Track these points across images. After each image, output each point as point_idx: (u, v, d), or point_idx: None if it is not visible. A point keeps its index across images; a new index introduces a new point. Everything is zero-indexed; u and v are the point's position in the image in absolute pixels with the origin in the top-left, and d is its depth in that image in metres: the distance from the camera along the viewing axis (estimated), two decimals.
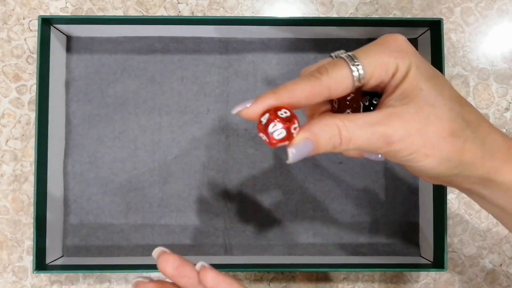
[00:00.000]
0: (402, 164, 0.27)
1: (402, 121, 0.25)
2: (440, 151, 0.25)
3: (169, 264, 0.28)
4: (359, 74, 0.26)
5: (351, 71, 0.26)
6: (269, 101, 0.26)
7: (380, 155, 0.29)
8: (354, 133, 0.25)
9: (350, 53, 0.26)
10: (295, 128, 0.26)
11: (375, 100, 0.29)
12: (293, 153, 0.25)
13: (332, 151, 0.26)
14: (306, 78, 0.26)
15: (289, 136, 0.26)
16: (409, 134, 0.25)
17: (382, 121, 0.25)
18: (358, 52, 0.26)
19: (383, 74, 0.26)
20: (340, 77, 0.26)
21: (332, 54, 0.28)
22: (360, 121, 0.25)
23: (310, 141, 0.25)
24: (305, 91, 0.26)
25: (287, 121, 0.26)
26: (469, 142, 0.26)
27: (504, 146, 0.27)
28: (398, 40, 0.27)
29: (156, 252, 0.29)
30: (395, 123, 0.25)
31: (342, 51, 0.28)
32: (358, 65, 0.26)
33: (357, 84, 0.26)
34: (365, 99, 0.29)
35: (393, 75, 0.26)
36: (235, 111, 0.26)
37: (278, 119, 0.26)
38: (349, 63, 0.26)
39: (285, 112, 0.26)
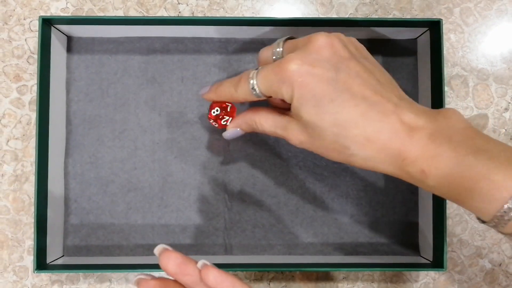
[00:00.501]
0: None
1: (295, 132, 0.33)
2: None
3: (171, 262, 0.29)
4: (256, 93, 0.34)
5: (251, 90, 0.34)
6: (212, 96, 0.39)
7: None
8: (265, 128, 0.36)
9: (254, 71, 0.34)
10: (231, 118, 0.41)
11: None
12: (227, 135, 0.39)
13: (254, 131, 0.37)
14: (230, 87, 0.36)
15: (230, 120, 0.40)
16: (300, 142, 0.34)
17: (283, 127, 0.34)
18: (259, 72, 0.34)
19: (277, 96, 0.33)
20: (244, 92, 0.35)
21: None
22: (270, 121, 0.35)
23: (236, 130, 0.38)
24: (228, 96, 0.37)
25: (232, 113, 0.40)
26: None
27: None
28: (289, 67, 0.31)
29: (158, 249, 0.29)
30: (291, 131, 0.34)
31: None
32: (255, 86, 0.34)
33: (260, 98, 0.35)
34: None
35: (283, 100, 0.33)
36: (200, 92, 0.40)
37: (225, 113, 0.40)
38: (250, 81, 0.34)
39: (217, 111, 0.41)
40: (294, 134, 0.33)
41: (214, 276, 0.28)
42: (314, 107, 0.30)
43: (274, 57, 0.36)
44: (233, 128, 0.38)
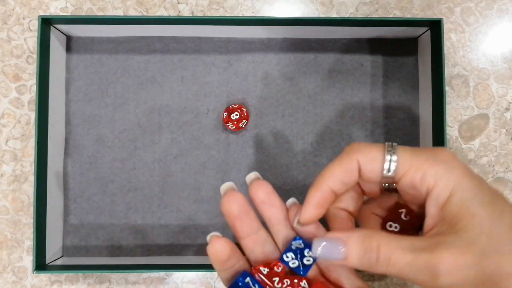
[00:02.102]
0: None
1: (452, 252, 0.22)
2: None
3: (262, 189, 0.27)
4: (390, 161, 0.24)
5: (384, 154, 0.25)
6: (316, 198, 0.26)
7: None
8: (395, 254, 0.22)
9: (394, 144, 0.25)
10: (244, 125, 0.44)
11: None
12: (318, 248, 0.24)
13: (367, 269, 0.23)
14: (338, 160, 0.26)
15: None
16: (460, 268, 0.21)
17: (429, 248, 0.22)
18: (399, 147, 0.25)
19: (417, 179, 0.24)
20: (371, 156, 0.25)
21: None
22: (404, 243, 0.23)
23: (341, 243, 0.24)
24: (335, 169, 0.26)
25: (247, 116, 0.43)
26: None
27: None
28: (446, 152, 0.24)
29: (249, 177, 0.28)
30: (444, 253, 0.22)
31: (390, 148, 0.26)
32: (393, 152, 0.24)
33: (386, 173, 0.24)
34: (392, 223, 0.28)
35: (429, 191, 0.24)
36: (295, 224, 0.27)
37: (243, 116, 0.43)
38: (386, 147, 0.25)
39: (236, 115, 0.42)
40: (450, 255, 0.22)
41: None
42: (491, 201, 0.23)
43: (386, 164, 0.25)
44: (334, 240, 0.25)
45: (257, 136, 0.46)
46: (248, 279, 0.26)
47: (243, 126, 0.45)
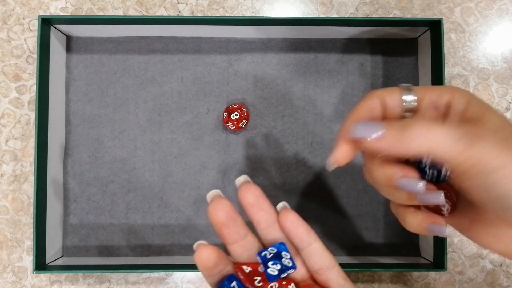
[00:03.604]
0: (485, 195, 0.24)
1: (486, 129, 0.23)
2: None
3: (250, 193, 0.27)
4: (409, 91, 0.27)
5: (401, 88, 0.28)
6: (348, 135, 0.27)
7: (445, 228, 0.27)
8: (432, 125, 0.23)
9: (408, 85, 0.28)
10: (244, 125, 0.45)
11: (446, 171, 0.26)
12: (360, 129, 0.26)
13: (399, 142, 0.24)
14: (362, 100, 0.29)
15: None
16: (498, 140, 0.22)
17: (465, 125, 0.23)
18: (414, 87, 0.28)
19: (434, 97, 0.26)
20: (391, 90, 0.28)
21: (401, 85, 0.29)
22: (439, 121, 0.24)
23: (378, 126, 0.25)
24: (361, 108, 0.28)
25: (247, 116, 0.44)
26: None
27: None
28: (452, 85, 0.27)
29: (239, 180, 0.28)
30: (480, 129, 0.23)
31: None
32: (409, 85, 0.28)
33: (406, 98, 0.27)
34: (432, 169, 0.27)
35: (449, 104, 0.26)
36: (357, 134, 0.26)
37: (243, 117, 0.44)
38: (402, 86, 0.28)
39: (236, 115, 0.44)
40: (490, 130, 0.23)
41: (292, 219, 0.27)
42: (501, 115, 0.25)
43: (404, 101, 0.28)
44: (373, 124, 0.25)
45: (257, 136, 0.46)
46: (234, 283, 0.26)
47: (243, 126, 0.45)
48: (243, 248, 0.28)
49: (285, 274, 0.27)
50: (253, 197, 0.27)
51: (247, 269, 0.27)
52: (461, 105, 0.26)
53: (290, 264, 0.27)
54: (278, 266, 0.27)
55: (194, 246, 0.28)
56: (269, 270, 0.27)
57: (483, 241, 0.27)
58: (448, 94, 0.26)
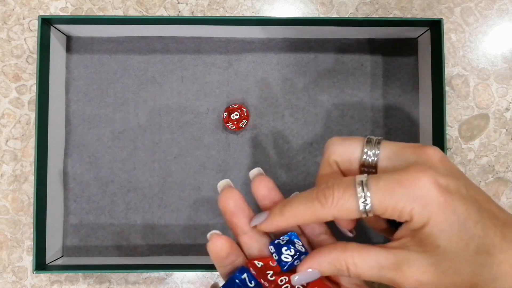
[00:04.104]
0: None
1: (415, 270, 0.24)
2: None
3: (263, 185, 0.28)
4: (365, 210, 0.24)
5: (358, 205, 0.24)
6: (276, 222, 0.26)
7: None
8: (363, 272, 0.25)
9: (363, 179, 0.24)
10: (244, 125, 0.45)
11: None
12: (297, 280, 0.26)
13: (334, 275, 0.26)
14: (310, 202, 0.25)
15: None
16: (421, 284, 0.24)
17: (393, 266, 0.24)
18: (372, 182, 0.24)
19: (394, 217, 0.24)
20: (344, 208, 0.24)
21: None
22: (371, 261, 0.24)
23: (316, 271, 0.26)
24: (307, 215, 0.25)
25: (247, 116, 0.44)
26: None
27: None
28: (422, 181, 0.24)
29: (252, 173, 0.29)
30: (408, 271, 0.24)
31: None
32: (366, 201, 0.24)
33: (363, 216, 0.25)
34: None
35: (407, 222, 0.24)
36: (252, 224, 0.27)
37: (243, 116, 0.45)
38: (358, 195, 0.24)
39: (236, 115, 0.44)
40: (413, 274, 0.24)
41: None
42: (460, 232, 0.23)
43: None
44: (309, 270, 0.26)
45: (257, 136, 0.46)
46: (245, 275, 0.26)
47: (243, 126, 0.45)
48: (252, 239, 0.28)
49: (298, 261, 0.26)
50: (266, 189, 0.28)
51: (259, 264, 0.27)
52: (415, 227, 0.24)
53: (303, 250, 0.27)
54: (292, 252, 0.26)
55: (208, 235, 0.28)
56: (282, 257, 0.26)
57: None
58: (407, 217, 0.24)
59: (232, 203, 0.28)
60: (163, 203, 0.46)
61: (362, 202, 0.24)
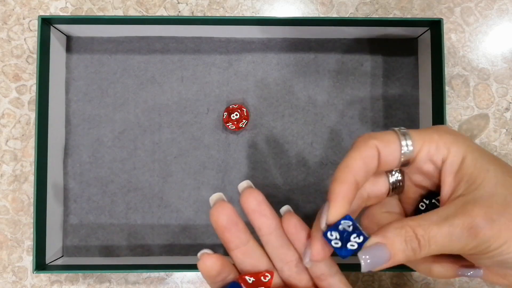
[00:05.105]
0: (489, 260, 0.24)
1: (480, 206, 0.23)
2: None
3: (252, 198, 0.27)
4: (406, 140, 0.25)
5: (398, 136, 0.26)
6: (343, 192, 0.25)
7: (479, 270, 0.26)
8: (432, 230, 0.23)
9: (404, 130, 0.26)
10: (244, 125, 0.45)
11: (436, 200, 0.27)
12: (367, 261, 0.23)
13: (412, 258, 0.23)
14: (355, 148, 0.26)
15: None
16: (494, 219, 0.22)
17: (458, 212, 0.23)
18: (410, 130, 0.26)
19: (432, 150, 0.25)
20: (387, 139, 0.25)
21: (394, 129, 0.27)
22: (434, 217, 0.23)
23: (384, 246, 0.23)
24: (356, 159, 0.25)
25: (247, 116, 0.44)
26: None
27: None
28: (446, 127, 0.27)
29: (241, 185, 0.28)
30: (474, 210, 0.23)
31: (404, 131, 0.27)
32: (406, 133, 0.26)
33: (405, 150, 0.25)
34: (423, 202, 0.28)
35: (444, 159, 0.25)
36: (323, 224, 0.25)
37: (243, 116, 0.44)
38: (398, 131, 0.26)
39: (236, 115, 0.44)
40: (481, 211, 0.23)
41: (295, 223, 0.27)
42: (494, 160, 0.25)
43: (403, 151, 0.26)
44: (376, 245, 0.23)
45: (257, 136, 0.46)
46: None
47: (243, 126, 0.45)
48: (245, 254, 0.27)
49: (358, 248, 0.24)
50: (255, 202, 0.27)
51: (250, 279, 0.26)
52: (455, 165, 0.25)
53: (366, 235, 0.24)
54: (361, 238, 0.24)
55: (198, 255, 0.27)
56: (349, 245, 0.24)
57: (491, 279, 0.26)
58: (444, 149, 0.25)
59: (225, 218, 0.27)
60: (163, 203, 0.46)
61: (402, 133, 0.25)
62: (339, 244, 0.24)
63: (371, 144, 0.25)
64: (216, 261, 0.27)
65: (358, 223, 0.25)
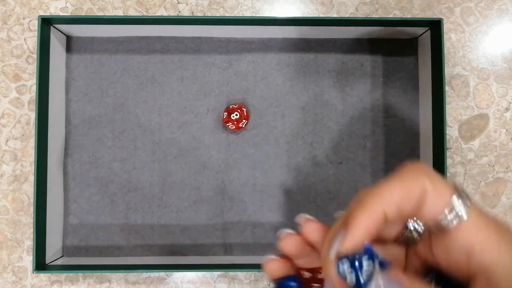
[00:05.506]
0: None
1: None
2: None
3: (315, 232, 0.24)
4: (462, 206, 0.21)
5: (454, 194, 0.21)
6: (367, 222, 0.21)
7: None
8: None
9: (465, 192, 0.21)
10: (244, 125, 0.45)
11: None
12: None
13: None
14: (400, 178, 0.22)
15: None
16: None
17: None
18: (472, 207, 0.21)
19: (475, 249, 0.21)
20: (439, 187, 0.21)
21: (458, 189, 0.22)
22: None
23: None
24: (396, 190, 0.21)
25: (247, 116, 0.44)
26: None
27: None
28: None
29: (300, 218, 0.26)
30: None
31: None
32: (466, 200, 0.21)
33: (450, 217, 0.21)
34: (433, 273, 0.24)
35: (487, 266, 0.21)
36: (332, 255, 0.21)
37: (243, 117, 0.44)
38: (458, 188, 0.21)
39: (236, 115, 0.44)
40: None
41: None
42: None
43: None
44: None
45: (257, 136, 0.46)
46: (294, 284, 0.25)
47: (243, 126, 0.45)
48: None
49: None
50: (318, 236, 0.24)
51: (307, 274, 0.26)
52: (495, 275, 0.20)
53: (386, 261, 0.21)
54: (376, 265, 0.20)
55: (279, 234, 0.26)
56: (364, 273, 0.20)
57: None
58: (482, 259, 0.20)
59: (316, 235, 0.24)
60: (163, 203, 0.46)
61: (461, 198, 0.20)
62: (353, 278, 0.21)
63: (421, 180, 0.21)
64: (282, 266, 0.26)
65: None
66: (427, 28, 0.44)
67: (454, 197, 0.20)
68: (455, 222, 0.20)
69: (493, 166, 0.47)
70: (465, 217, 0.20)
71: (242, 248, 0.45)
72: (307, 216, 0.25)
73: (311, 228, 0.24)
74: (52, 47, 0.43)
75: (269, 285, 0.46)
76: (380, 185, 0.21)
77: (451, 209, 0.20)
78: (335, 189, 0.46)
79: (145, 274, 0.46)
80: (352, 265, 0.20)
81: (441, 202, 0.20)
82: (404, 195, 0.21)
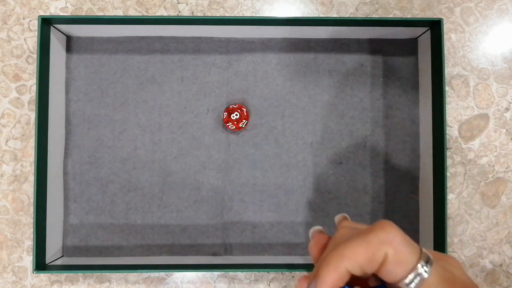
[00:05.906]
0: None
1: None
2: None
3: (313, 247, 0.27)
4: (419, 275, 0.23)
5: (415, 263, 0.23)
6: (332, 280, 0.23)
7: None
8: None
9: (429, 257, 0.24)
10: (244, 125, 0.45)
11: None
12: None
13: None
14: (364, 241, 0.24)
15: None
16: None
17: None
18: (434, 266, 0.24)
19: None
20: (404, 258, 0.23)
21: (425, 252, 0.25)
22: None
23: None
24: (359, 253, 0.23)
25: (247, 116, 0.44)
26: None
27: None
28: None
29: (312, 231, 0.28)
30: None
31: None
32: (425, 269, 0.23)
33: (409, 281, 0.23)
34: None
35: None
36: None
37: (243, 117, 0.45)
38: (421, 258, 0.23)
39: (236, 115, 0.44)
40: None
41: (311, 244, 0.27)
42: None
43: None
44: None
45: (257, 136, 0.46)
46: None
47: (243, 126, 0.45)
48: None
49: None
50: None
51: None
52: None
53: None
54: None
55: (310, 232, 0.28)
56: None
57: None
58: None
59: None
60: (163, 203, 0.46)
61: (421, 267, 0.23)
62: None
63: (383, 250, 0.23)
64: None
65: None
66: (427, 28, 0.44)
67: (419, 265, 0.23)
68: (417, 284, 0.22)
69: (493, 166, 0.47)
70: (427, 278, 0.22)
71: (242, 248, 0.45)
72: (319, 228, 0.28)
73: (314, 241, 0.27)
74: (52, 47, 0.43)
75: (269, 285, 0.46)
76: (347, 245, 0.23)
77: (416, 275, 0.22)
78: (335, 189, 0.46)
79: (145, 274, 0.46)
80: None
81: (402, 271, 0.22)
82: (367, 259, 0.23)
